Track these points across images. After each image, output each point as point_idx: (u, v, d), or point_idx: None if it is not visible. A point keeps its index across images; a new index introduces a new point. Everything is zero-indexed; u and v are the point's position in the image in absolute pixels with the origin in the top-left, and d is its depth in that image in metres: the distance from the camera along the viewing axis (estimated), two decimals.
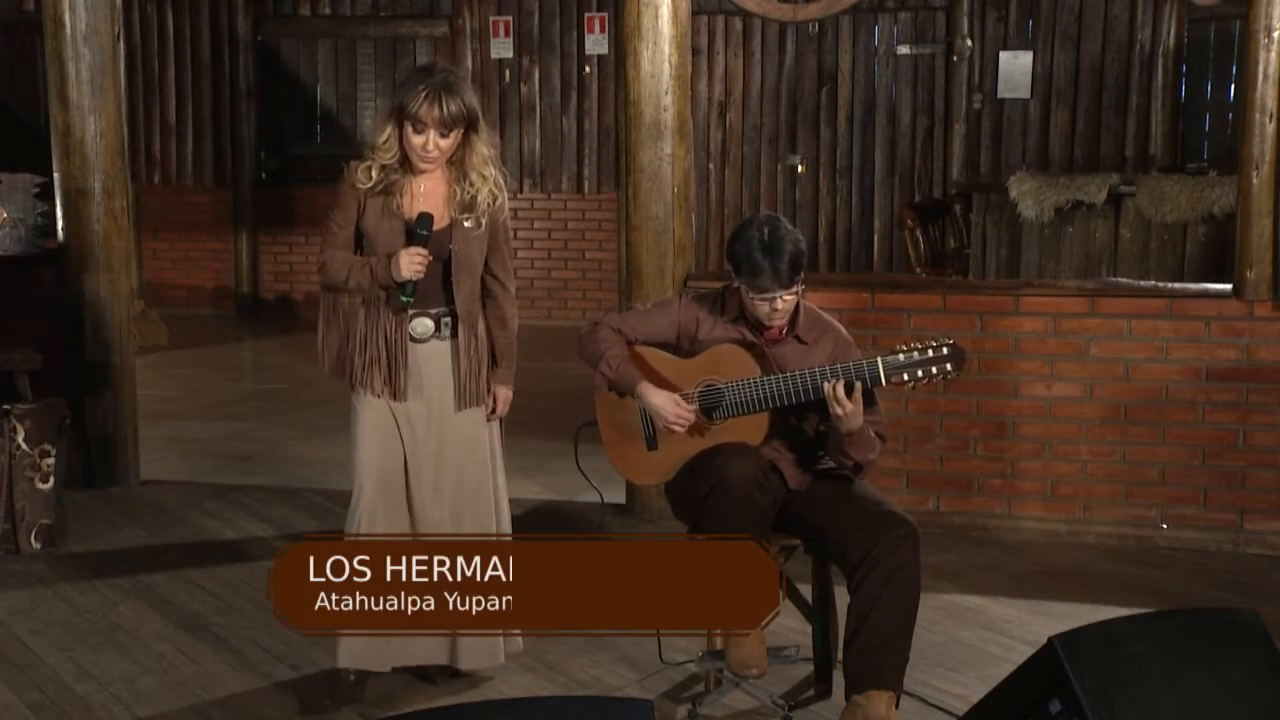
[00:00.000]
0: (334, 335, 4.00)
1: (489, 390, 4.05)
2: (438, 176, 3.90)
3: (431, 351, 3.95)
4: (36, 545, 5.46)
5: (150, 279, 11.84)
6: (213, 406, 8.40)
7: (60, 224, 6.34)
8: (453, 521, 3.96)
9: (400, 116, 3.81)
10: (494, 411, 4.07)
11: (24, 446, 5.44)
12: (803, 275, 3.87)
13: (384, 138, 3.86)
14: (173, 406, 8.23)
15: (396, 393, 3.92)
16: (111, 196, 6.32)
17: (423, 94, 3.76)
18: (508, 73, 11.51)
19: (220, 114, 12.09)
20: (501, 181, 3.95)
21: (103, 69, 6.24)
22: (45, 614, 4.86)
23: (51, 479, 5.50)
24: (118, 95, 6.34)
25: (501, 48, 11.46)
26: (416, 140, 3.80)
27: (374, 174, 3.87)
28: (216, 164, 12.18)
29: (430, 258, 3.81)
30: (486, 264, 3.98)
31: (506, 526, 4.12)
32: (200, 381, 9.19)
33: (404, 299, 3.83)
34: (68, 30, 6.18)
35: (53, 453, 5.51)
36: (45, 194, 6.43)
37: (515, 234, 11.54)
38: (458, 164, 3.89)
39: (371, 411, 3.94)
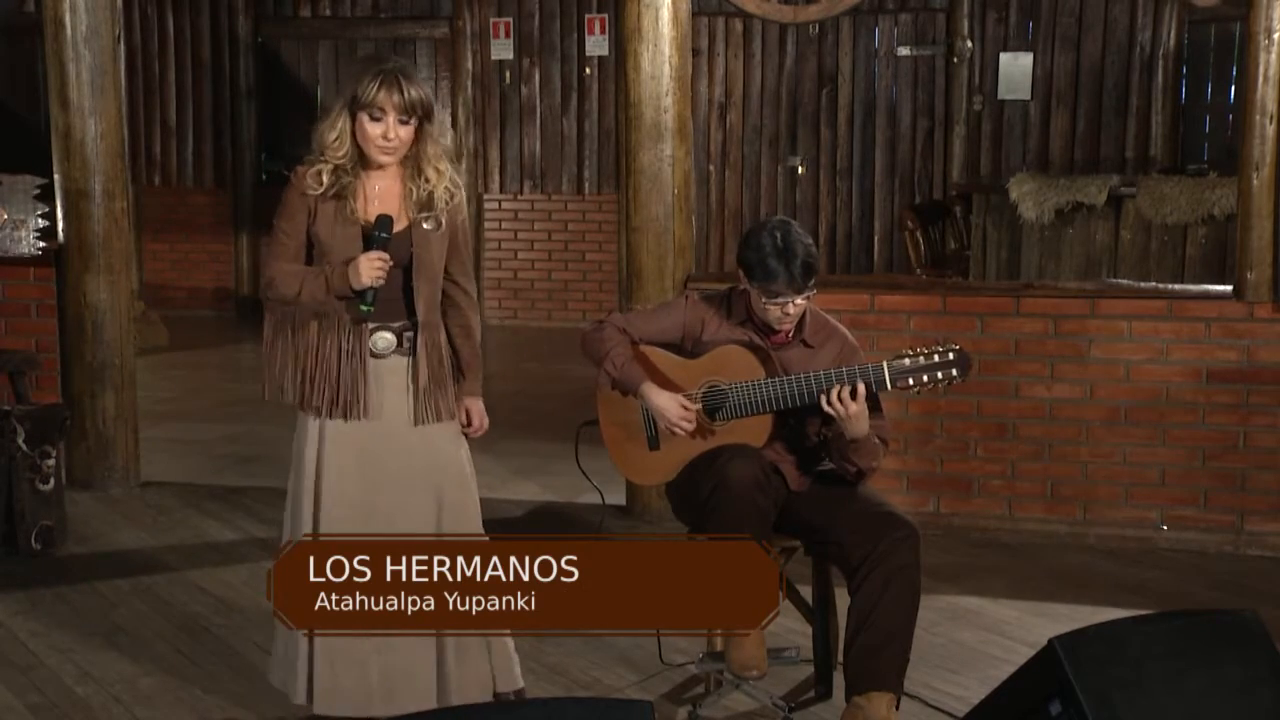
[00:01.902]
0: (281, 355, 3.67)
1: (458, 404, 3.74)
2: (391, 176, 3.63)
3: (392, 367, 3.64)
4: (37, 546, 5.46)
5: (150, 280, 11.84)
6: (213, 408, 8.40)
7: (61, 225, 6.35)
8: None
9: (353, 108, 3.55)
10: (470, 426, 3.77)
11: (24, 448, 5.43)
12: (815, 280, 3.87)
13: (335, 135, 3.57)
14: (173, 408, 8.23)
15: (353, 412, 3.60)
16: (112, 198, 6.32)
17: (379, 80, 3.53)
18: (508, 74, 11.51)
19: (220, 115, 12.09)
20: (458, 179, 3.70)
21: (103, 70, 6.24)
22: (45, 615, 4.86)
23: (52, 480, 5.50)
24: (118, 97, 6.34)
25: (502, 49, 11.46)
26: (374, 130, 3.53)
27: (325, 178, 3.58)
28: (217, 165, 12.19)
29: (391, 263, 3.53)
30: (446, 269, 3.70)
31: None
32: (200, 383, 9.19)
33: (364, 309, 3.54)
34: (68, 32, 6.18)
35: (53, 454, 5.51)
36: (45, 195, 6.44)
37: (515, 235, 11.58)
38: (411, 160, 3.62)
39: (335, 434, 3.64)
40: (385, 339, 3.63)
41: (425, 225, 3.61)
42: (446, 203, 3.64)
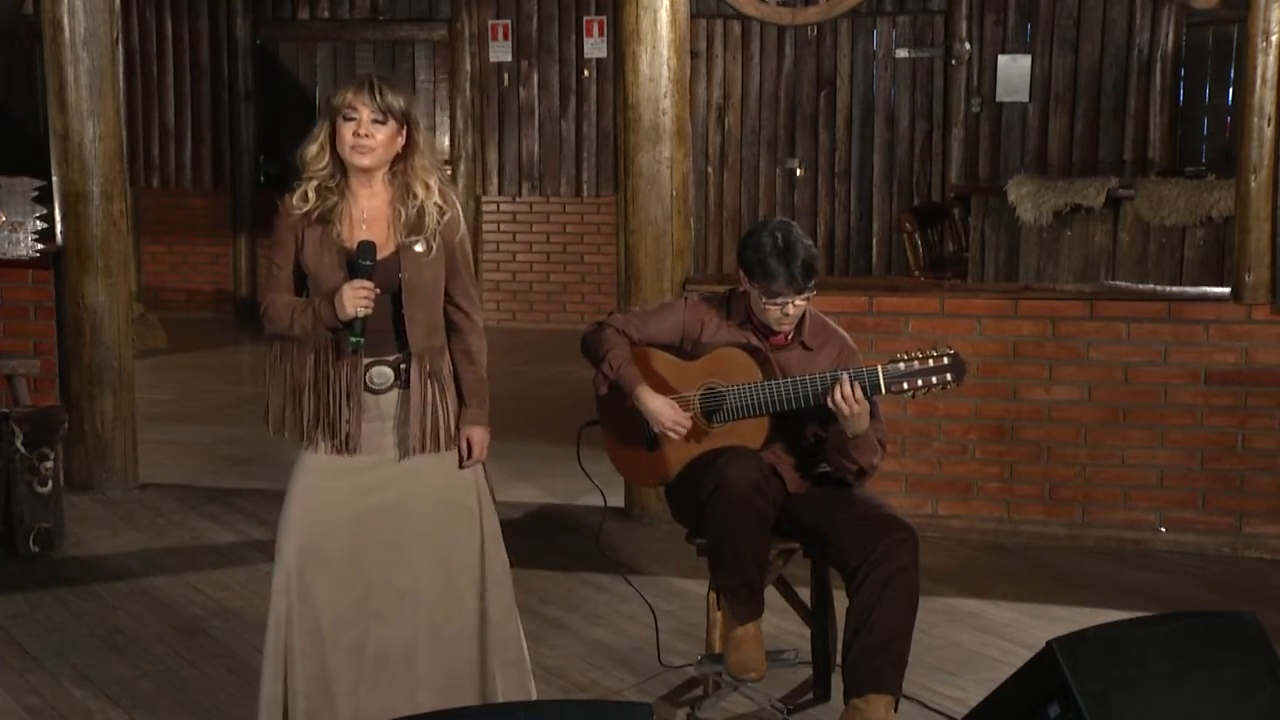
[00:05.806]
0: (279, 389, 3.48)
1: (457, 433, 3.50)
2: (380, 199, 3.42)
3: (392, 402, 3.44)
4: (35, 549, 5.46)
5: (149, 282, 11.82)
6: (211, 410, 8.39)
7: (59, 228, 6.35)
8: (430, 633, 3.45)
9: (330, 116, 3.39)
10: (470, 456, 3.51)
11: (22, 450, 5.43)
12: (815, 280, 3.87)
13: (315, 147, 3.40)
14: (171, 410, 8.22)
15: (349, 448, 3.41)
16: (110, 200, 6.32)
17: (353, 84, 3.39)
18: (506, 76, 11.51)
19: (219, 118, 12.09)
20: (451, 195, 3.48)
21: (101, 73, 6.24)
22: (43, 618, 4.86)
23: (50, 482, 5.50)
24: (117, 99, 6.34)
25: (500, 51, 11.46)
26: (347, 129, 3.34)
27: (310, 195, 3.39)
28: (215, 168, 12.18)
29: (377, 291, 3.33)
30: (447, 292, 3.48)
31: (509, 640, 3.59)
32: (199, 385, 9.18)
33: (353, 340, 3.33)
34: (67, 34, 6.18)
35: (51, 456, 5.51)
36: (44, 198, 6.43)
37: (514, 237, 11.57)
38: (399, 177, 3.42)
39: (323, 475, 3.44)
40: (383, 374, 3.43)
41: (416, 249, 3.40)
42: (438, 222, 3.42)
